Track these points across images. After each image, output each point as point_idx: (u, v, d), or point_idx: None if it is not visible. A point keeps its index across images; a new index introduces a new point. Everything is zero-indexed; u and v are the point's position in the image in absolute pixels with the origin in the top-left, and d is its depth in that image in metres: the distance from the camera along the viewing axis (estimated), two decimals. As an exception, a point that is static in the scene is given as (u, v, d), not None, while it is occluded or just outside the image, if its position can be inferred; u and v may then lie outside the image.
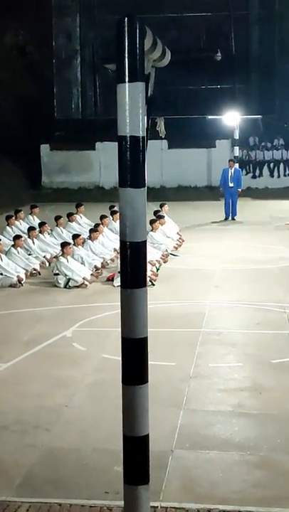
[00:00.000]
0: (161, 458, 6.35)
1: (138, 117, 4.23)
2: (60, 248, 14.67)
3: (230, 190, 22.64)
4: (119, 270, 13.23)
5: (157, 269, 14.32)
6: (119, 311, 4.51)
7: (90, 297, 12.87)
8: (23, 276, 13.96)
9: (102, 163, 30.59)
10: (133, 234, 4.35)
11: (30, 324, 11.06)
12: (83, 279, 13.57)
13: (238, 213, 22.68)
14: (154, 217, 16.99)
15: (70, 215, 18.94)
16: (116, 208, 17.27)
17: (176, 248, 16.89)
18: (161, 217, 17.53)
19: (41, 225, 17.42)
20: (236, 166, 23.87)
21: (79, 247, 14.86)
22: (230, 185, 22.68)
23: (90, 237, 15.78)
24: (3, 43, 32.33)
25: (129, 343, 4.47)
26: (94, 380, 8.58)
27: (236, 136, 26.38)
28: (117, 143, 4.33)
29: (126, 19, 4.14)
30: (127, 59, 4.16)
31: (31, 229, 16.60)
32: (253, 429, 7.21)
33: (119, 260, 13.80)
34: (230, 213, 22.65)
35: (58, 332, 10.51)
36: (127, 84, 4.18)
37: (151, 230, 16.09)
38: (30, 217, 19.20)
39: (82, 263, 14.32)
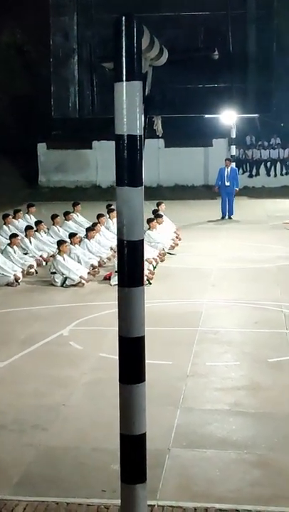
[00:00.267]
0: (158, 456, 6.36)
1: (135, 116, 4.23)
2: (56, 247, 14.68)
3: (227, 189, 22.63)
4: (116, 269, 13.23)
5: (154, 268, 14.33)
6: (116, 309, 4.51)
7: (86, 296, 12.86)
8: (19, 275, 13.95)
9: (99, 162, 30.57)
10: (130, 233, 4.35)
11: (27, 323, 11.06)
12: (80, 277, 13.57)
13: (234, 212, 22.68)
14: (152, 216, 17.00)
15: (66, 214, 18.95)
16: (113, 207, 17.33)
17: (174, 247, 16.91)
18: (160, 216, 17.56)
19: (38, 223, 17.42)
20: (233, 165, 23.87)
21: (76, 245, 14.86)
22: (227, 184, 22.67)
23: (86, 236, 15.78)
24: (0, 41, 32.29)
25: (127, 341, 4.48)
26: (91, 379, 8.58)
27: (233, 135, 26.35)
28: (114, 142, 4.33)
29: (123, 18, 4.14)
30: (124, 58, 4.16)
31: (28, 228, 16.60)
32: (250, 428, 7.22)
33: (115, 259, 13.78)
34: (227, 212, 22.66)
35: (55, 331, 10.51)
36: (124, 83, 4.18)
37: (149, 229, 16.10)
38: (27, 216, 19.26)
39: (78, 262, 14.33)
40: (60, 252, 14.00)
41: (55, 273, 13.68)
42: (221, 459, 6.52)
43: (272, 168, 31.00)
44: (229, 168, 22.97)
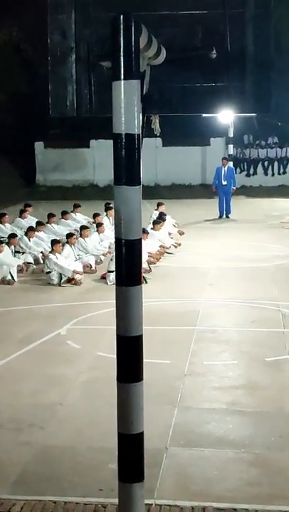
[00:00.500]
0: (155, 455, 6.36)
1: (133, 115, 4.22)
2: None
3: (224, 188, 22.65)
4: (108, 269, 13.35)
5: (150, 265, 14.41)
6: (114, 308, 4.50)
7: (84, 295, 12.86)
8: (15, 274, 13.98)
9: (96, 161, 30.56)
10: (128, 232, 4.34)
11: (24, 322, 11.05)
12: (74, 271, 13.57)
13: (232, 211, 22.70)
14: (159, 219, 17.38)
15: (64, 214, 19.00)
16: (112, 205, 17.46)
17: (176, 247, 16.87)
18: (163, 220, 17.67)
19: (39, 224, 17.41)
20: (230, 164, 23.88)
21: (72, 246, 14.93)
22: (224, 183, 22.69)
23: (81, 235, 15.83)
24: (-3, 39, 32.24)
25: (124, 340, 4.47)
26: (88, 378, 8.58)
27: (231, 135, 26.37)
28: (111, 141, 4.32)
29: (121, 17, 4.12)
30: (122, 56, 4.15)
31: (30, 229, 16.42)
32: (247, 427, 7.22)
33: (110, 259, 13.66)
34: (225, 211, 22.67)
35: (53, 330, 10.50)
36: (122, 82, 4.17)
37: (152, 229, 16.37)
38: (18, 219, 19.39)
39: (75, 261, 14.38)
40: (52, 251, 14.02)
41: (50, 272, 13.69)
42: (218, 458, 6.52)
43: (270, 167, 31.04)
44: (226, 167, 22.98)
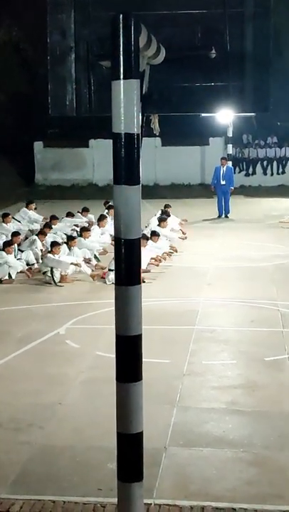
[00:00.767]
0: (154, 455, 6.36)
1: (133, 114, 4.22)
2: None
3: (223, 188, 22.65)
4: (109, 268, 13.35)
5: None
6: (113, 308, 4.50)
7: (83, 294, 12.86)
8: (14, 274, 13.97)
9: (95, 160, 30.55)
10: (128, 231, 4.34)
11: (23, 321, 11.05)
12: (71, 263, 13.61)
13: (231, 211, 22.69)
14: (164, 216, 18.10)
15: (68, 215, 19.23)
16: (111, 203, 17.67)
17: (183, 239, 17.67)
18: (166, 218, 18.03)
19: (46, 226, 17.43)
20: (229, 163, 23.88)
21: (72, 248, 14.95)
22: (222, 183, 22.69)
23: (81, 235, 15.85)
24: (-4, 39, 32.23)
25: (124, 340, 4.47)
26: (88, 378, 8.58)
27: (230, 134, 26.37)
28: (110, 140, 4.32)
29: (121, 16, 4.12)
30: (121, 56, 4.14)
31: (41, 233, 16.28)
32: (246, 427, 7.23)
33: (111, 258, 13.62)
34: (224, 211, 22.67)
35: (52, 329, 10.50)
36: (121, 81, 4.17)
37: (158, 225, 17.06)
38: (24, 209, 19.73)
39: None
40: (51, 252, 13.99)
41: (46, 272, 13.67)
42: (217, 457, 6.52)
43: (269, 167, 31.01)
44: (225, 167, 22.98)
